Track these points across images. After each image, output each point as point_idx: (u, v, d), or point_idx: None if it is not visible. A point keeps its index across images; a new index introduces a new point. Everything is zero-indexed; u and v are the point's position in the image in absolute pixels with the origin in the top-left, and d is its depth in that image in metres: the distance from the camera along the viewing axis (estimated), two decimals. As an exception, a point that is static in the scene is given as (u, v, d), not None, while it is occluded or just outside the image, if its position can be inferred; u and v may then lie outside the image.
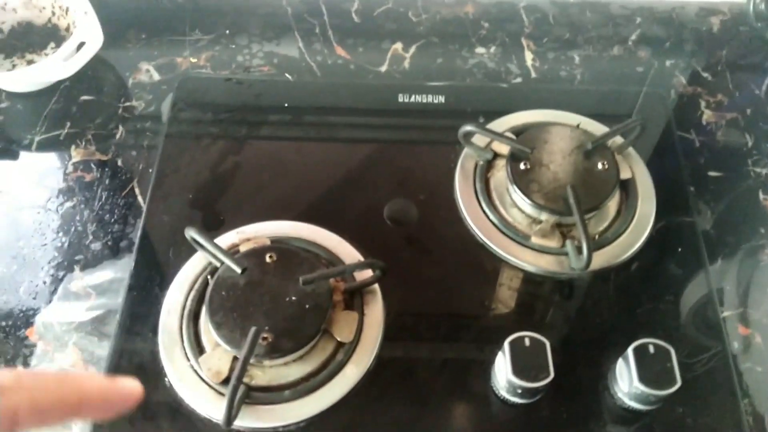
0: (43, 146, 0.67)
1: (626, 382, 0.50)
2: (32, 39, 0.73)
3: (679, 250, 0.60)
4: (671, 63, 0.74)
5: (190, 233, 0.55)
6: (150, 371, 0.53)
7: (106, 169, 0.65)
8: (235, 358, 0.52)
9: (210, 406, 0.51)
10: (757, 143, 0.68)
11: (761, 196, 0.64)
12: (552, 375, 0.49)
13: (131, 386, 0.36)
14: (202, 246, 0.56)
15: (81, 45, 0.66)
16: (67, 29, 0.72)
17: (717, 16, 0.78)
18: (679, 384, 0.48)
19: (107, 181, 0.64)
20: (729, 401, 0.52)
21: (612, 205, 0.61)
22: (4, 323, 0.56)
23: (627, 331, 0.54)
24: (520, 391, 0.50)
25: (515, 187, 0.59)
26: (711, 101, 0.71)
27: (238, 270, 0.53)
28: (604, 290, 0.58)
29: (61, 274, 0.59)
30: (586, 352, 0.54)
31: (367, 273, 0.56)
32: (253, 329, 0.50)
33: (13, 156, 0.66)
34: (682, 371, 0.49)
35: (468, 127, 0.62)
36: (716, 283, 0.58)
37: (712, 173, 0.66)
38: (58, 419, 0.34)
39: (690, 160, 0.66)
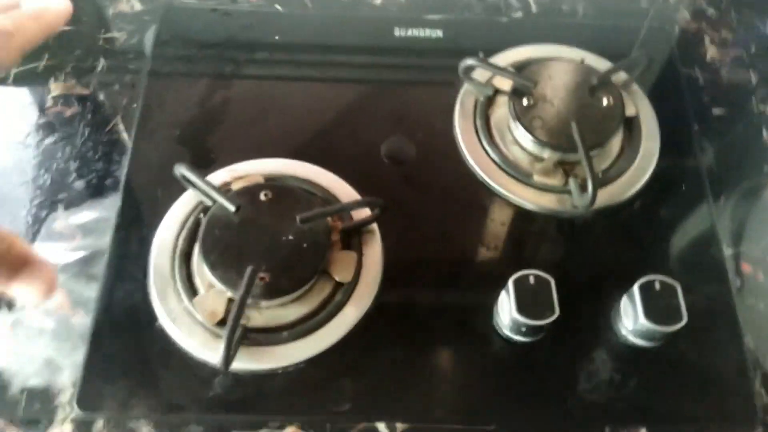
0: (19, 79, 0.63)
1: (631, 319, 0.50)
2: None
3: (683, 187, 0.59)
4: (675, -2, 0.72)
5: (180, 170, 0.53)
6: (142, 314, 0.51)
7: (88, 104, 0.62)
8: (230, 299, 0.50)
9: (205, 348, 0.49)
10: (762, 81, 0.66)
11: (765, 134, 0.63)
12: (557, 312, 0.48)
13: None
14: (193, 184, 0.53)
15: (56, -30, 0.61)
16: (39, -45, 0.67)
17: (722, -51, 0.75)
18: (685, 320, 0.48)
19: (89, 117, 0.61)
20: (732, 338, 0.52)
21: (615, 142, 0.60)
22: (-15, 265, 0.54)
23: (630, 268, 0.53)
24: (524, 329, 0.49)
25: (518, 123, 0.57)
26: (715, 38, 0.69)
27: (232, 208, 0.51)
28: (607, 228, 0.57)
29: (44, 213, 0.56)
30: (589, 290, 0.53)
31: (364, 212, 0.55)
32: (249, 268, 0.48)
33: (-13, 90, 0.62)
34: (686, 308, 0.48)
35: (469, 61, 0.59)
36: (719, 220, 0.58)
37: (716, 111, 0.64)
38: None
39: (694, 98, 0.65)
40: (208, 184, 0.52)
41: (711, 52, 0.68)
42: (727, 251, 0.56)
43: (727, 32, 0.70)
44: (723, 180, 0.60)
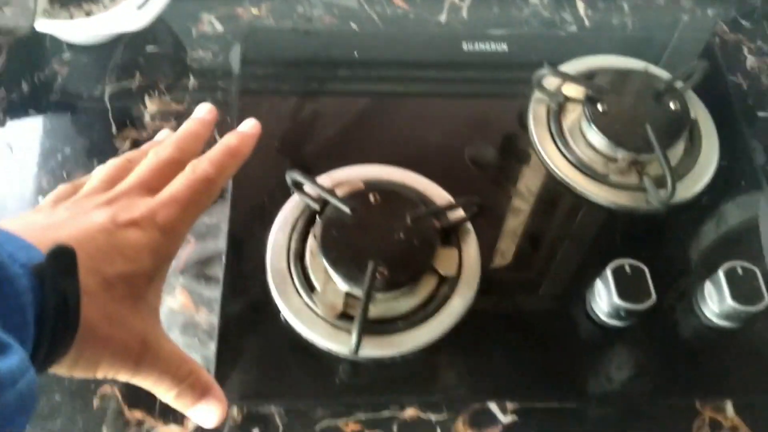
0: (115, 98, 0.66)
1: (716, 302, 0.55)
2: (88, -11, 0.72)
3: (743, 183, 0.64)
4: (712, 12, 0.78)
5: (293, 176, 0.57)
6: (265, 309, 0.55)
7: (184, 118, 0.65)
8: (347, 294, 0.54)
9: (328, 339, 0.53)
10: (798, 86, 0.73)
11: (807, 133, 0.69)
12: (654, 297, 0.52)
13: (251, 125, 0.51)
14: (303, 191, 0.57)
15: (152, -7, 0.65)
16: (125, -21, 0.71)
17: (750, -34, 0.82)
18: (767, 300, 0.53)
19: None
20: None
21: (679, 144, 0.65)
22: (107, 270, 0.57)
23: (707, 257, 0.58)
24: (623, 314, 0.54)
25: (594, 126, 0.62)
26: (752, 47, 0.75)
27: (348, 210, 0.55)
28: (681, 222, 0.62)
29: (157, 221, 0.59)
30: (673, 277, 0.58)
31: (458, 213, 0.59)
32: (371, 263, 0.52)
33: (87, 108, 0.66)
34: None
35: (542, 71, 0.65)
36: (776, 213, 0.63)
37: (761, 113, 0.70)
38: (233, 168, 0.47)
39: (740, 102, 0.71)
40: (323, 188, 0.56)
41: (750, 60, 0.74)
42: (787, 241, 0.62)
43: (762, 42, 0.76)
44: (776, 175, 0.66)
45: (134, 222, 0.39)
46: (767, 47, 0.76)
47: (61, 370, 0.35)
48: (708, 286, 0.56)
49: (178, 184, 0.43)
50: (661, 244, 0.60)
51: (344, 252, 0.54)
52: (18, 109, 0.65)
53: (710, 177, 0.63)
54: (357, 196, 0.57)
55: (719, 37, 0.76)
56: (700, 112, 0.67)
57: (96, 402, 0.51)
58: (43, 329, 0.31)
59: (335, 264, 0.53)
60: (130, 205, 0.40)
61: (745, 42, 0.76)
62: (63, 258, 0.32)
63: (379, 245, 0.54)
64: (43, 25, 0.63)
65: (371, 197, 0.56)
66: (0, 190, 0.61)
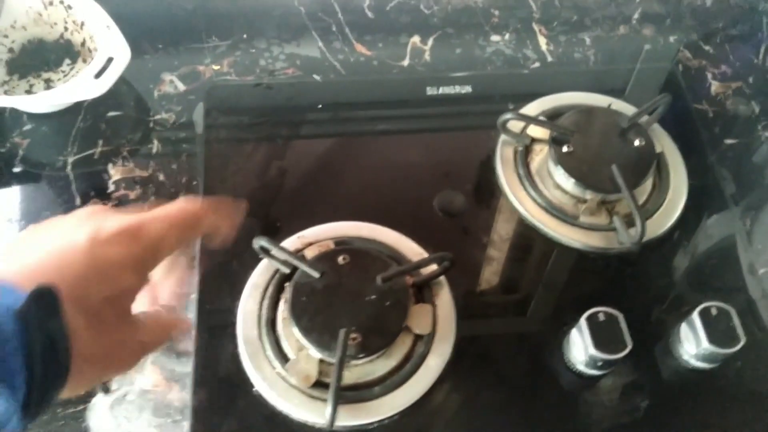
0: (78, 167, 0.65)
1: (693, 344, 0.54)
2: (45, 56, 0.71)
3: (714, 216, 0.64)
4: (675, 38, 0.78)
5: (260, 243, 0.56)
6: (237, 383, 0.54)
7: (150, 186, 0.64)
8: (321, 361, 0.53)
9: (303, 409, 0.52)
10: (763, 109, 0.73)
11: (775, 158, 0.69)
12: (630, 346, 0.52)
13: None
14: (271, 255, 0.56)
15: (110, 60, 0.64)
16: (83, 44, 0.70)
17: (709, -9, 0.83)
18: (743, 342, 0.52)
19: (153, 197, 0.64)
20: (779, 351, 0.57)
21: (648, 179, 0.65)
22: (76, 350, 0.56)
23: (683, 296, 0.58)
24: (600, 363, 0.53)
25: (561, 168, 0.62)
26: (716, 72, 0.76)
27: (316, 274, 0.54)
28: (652, 261, 0.61)
29: (125, 295, 0.58)
30: (649, 320, 0.58)
31: (433, 266, 0.58)
32: (342, 330, 0.51)
33: (50, 180, 0.65)
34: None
35: (506, 115, 0.64)
36: (749, 242, 0.63)
37: (728, 141, 0.70)
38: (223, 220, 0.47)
39: (706, 130, 0.71)
40: (290, 253, 0.55)
41: (714, 86, 0.74)
42: (762, 270, 0.62)
43: (726, 66, 0.76)
44: (745, 204, 0.66)
45: (115, 237, 0.39)
46: (731, 71, 0.76)
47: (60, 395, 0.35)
48: (684, 329, 0.55)
49: (165, 206, 0.43)
50: (635, 285, 0.60)
51: (315, 318, 0.53)
52: (-21, 184, 0.65)
53: (680, 211, 0.63)
54: (326, 258, 0.56)
55: (682, 64, 0.76)
56: (666, 144, 0.67)
57: None
58: (33, 373, 0.31)
59: (307, 332, 0.52)
60: (112, 220, 0.40)
61: (708, 67, 0.76)
62: (45, 299, 0.33)
63: (350, 309, 0.53)
64: (1, 101, 0.62)
65: (340, 259, 0.56)
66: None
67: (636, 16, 0.80)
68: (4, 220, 0.62)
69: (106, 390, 0.54)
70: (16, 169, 0.65)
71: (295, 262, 0.55)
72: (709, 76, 0.75)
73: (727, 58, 0.77)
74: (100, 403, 0.54)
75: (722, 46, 0.78)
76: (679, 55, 0.77)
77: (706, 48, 0.78)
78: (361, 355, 0.52)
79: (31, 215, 0.63)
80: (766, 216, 0.65)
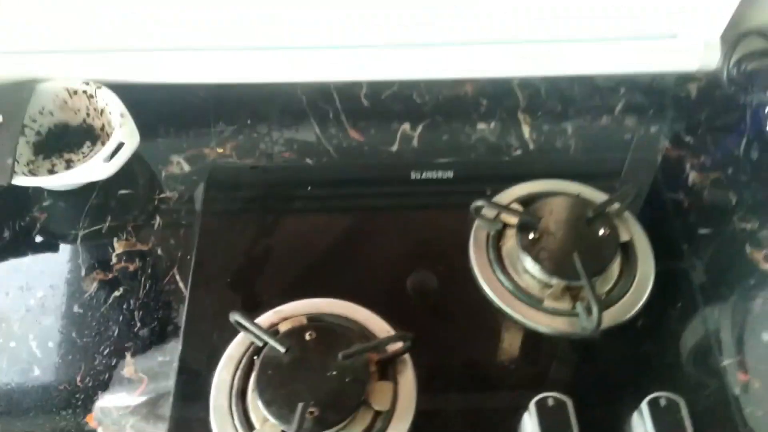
0: (87, 240, 0.72)
1: (642, 434, 0.55)
2: (69, 139, 0.79)
3: (679, 305, 0.66)
4: (656, 129, 0.81)
5: (235, 317, 0.61)
6: (206, 449, 0.57)
7: (148, 259, 0.70)
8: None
9: (263, 479, 0.55)
10: (740, 200, 0.74)
11: (748, 249, 0.71)
12: None
13: None
14: (246, 329, 0.61)
15: (121, 145, 0.72)
16: (102, 129, 0.78)
17: (694, 83, 0.86)
18: (690, 433, 0.54)
19: (149, 270, 0.70)
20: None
21: (615, 266, 0.67)
22: (64, 412, 0.61)
23: (638, 385, 0.59)
24: (548, 448, 0.55)
25: (526, 255, 0.65)
26: (695, 163, 0.78)
27: (282, 349, 0.58)
28: (614, 347, 0.63)
29: (113, 361, 0.64)
30: (602, 408, 0.59)
31: (397, 344, 0.62)
32: (300, 405, 0.55)
33: (61, 251, 0.72)
34: (692, 419, 0.54)
35: (479, 202, 0.68)
36: (714, 333, 0.64)
37: (702, 230, 0.72)
38: None
39: (681, 219, 0.73)
40: (260, 328, 0.60)
41: (692, 176, 0.77)
42: (724, 362, 0.62)
43: (706, 157, 0.79)
44: (714, 294, 0.67)
45: None
46: (710, 162, 0.78)
47: None
48: (635, 418, 0.56)
49: None
50: (594, 371, 0.62)
51: (278, 392, 0.57)
52: (-1, 254, 0.72)
53: (645, 299, 0.65)
54: (294, 334, 0.60)
55: (662, 154, 0.79)
56: (636, 233, 0.69)
57: None
58: None
59: (268, 404, 0.56)
60: None
61: (688, 158, 0.79)
62: None
63: (312, 384, 0.57)
64: (20, 181, 0.70)
65: (307, 335, 0.60)
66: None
67: (619, 107, 0.84)
68: (16, 287, 0.69)
69: (85, 449, 0.59)
70: (33, 241, 0.73)
71: (264, 337, 0.59)
72: (688, 166, 0.78)
73: (708, 149, 0.79)
74: (80, 463, 0.58)
75: (704, 137, 0.81)
76: (659, 145, 0.80)
77: (687, 139, 0.80)
78: (318, 429, 0.55)
79: (41, 285, 0.69)
80: (732, 306, 0.66)
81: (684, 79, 0.86)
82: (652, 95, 0.85)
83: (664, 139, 0.80)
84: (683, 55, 0.81)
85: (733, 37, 0.80)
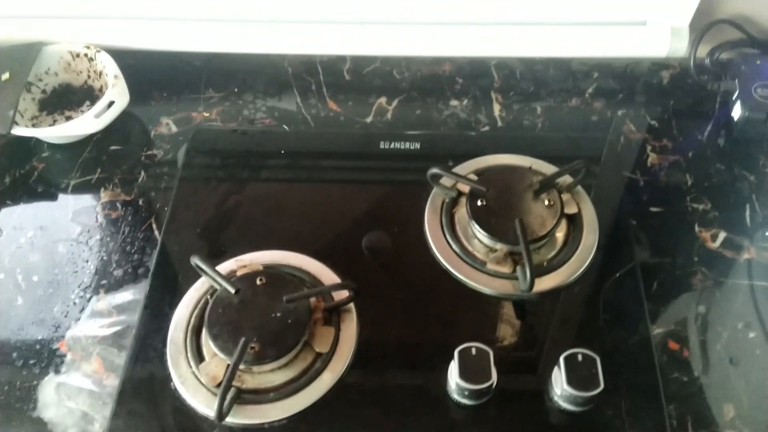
0: (77, 189, 0.79)
1: (558, 386, 0.59)
2: (71, 98, 0.86)
3: (618, 275, 0.68)
4: (623, 112, 0.84)
5: (195, 261, 0.66)
6: (159, 377, 0.63)
7: (129, 208, 0.77)
8: (228, 365, 0.62)
9: (207, 406, 0.61)
10: (696, 182, 0.77)
11: (696, 228, 0.73)
12: (493, 379, 0.57)
13: None
14: (204, 271, 0.66)
15: (111, 103, 0.78)
16: (101, 90, 0.85)
17: (668, 70, 0.88)
18: (601, 387, 0.57)
19: (130, 218, 0.76)
20: (654, 405, 0.60)
21: (560, 235, 0.70)
22: (39, 337, 0.67)
23: (567, 343, 0.62)
24: (467, 393, 0.59)
25: (473, 220, 0.69)
26: (656, 146, 0.80)
27: (233, 290, 0.63)
28: (550, 309, 0.67)
29: (88, 296, 0.70)
30: (528, 362, 0.63)
31: (345, 295, 0.66)
32: (242, 339, 0.60)
33: (53, 197, 0.78)
34: (613, 378, 0.58)
35: (435, 170, 0.72)
36: (652, 304, 0.67)
37: (653, 209, 0.74)
38: None
39: (634, 197, 0.75)
40: (215, 271, 0.65)
41: (651, 158, 0.79)
42: (656, 330, 0.65)
43: (668, 141, 0.81)
44: (657, 268, 0.70)
45: None
46: (672, 145, 0.80)
47: None
48: (555, 371, 0.60)
49: None
50: (527, 329, 0.65)
51: (224, 328, 0.62)
52: None
53: (585, 268, 0.68)
54: (246, 279, 0.65)
55: (624, 136, 0.81)
56: (585, 207, 0.72)
57: None
58: None
59: (215, 339, 0.61)
60: None
61: (650, 140, 0.81)
62: None
63: (256, 323, 0.62)
64: (19, 131, 0.77)
65: (258, 280, 0.65)
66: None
67: (590, 90, 0.86)
68: (10, 227, 0.76)
69: (57, 370, 0.65)
70: (30, 187, 0.79)
71: (218, 279, 0.64)
72: (649, 148, 0.80)
73: (671, 134, 0.81)
74: (49, 381, 0.64)
75: (669, 122, 0.83)
76: (623, 127, 0.82)
77: (652, 122, 0.83)
78: (258, 363, 0.60)
79: (32, 225, 0.76)
80: (674, 281, 0.69)
81: (658, 66, 0.88)
82: (624, 80, 0.87)
83: (629, 122, 0.83)
84: (652, 41, 0.83)
85: (703, 25, 0.81)
